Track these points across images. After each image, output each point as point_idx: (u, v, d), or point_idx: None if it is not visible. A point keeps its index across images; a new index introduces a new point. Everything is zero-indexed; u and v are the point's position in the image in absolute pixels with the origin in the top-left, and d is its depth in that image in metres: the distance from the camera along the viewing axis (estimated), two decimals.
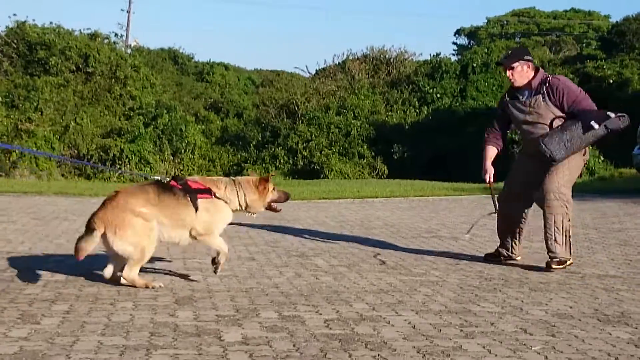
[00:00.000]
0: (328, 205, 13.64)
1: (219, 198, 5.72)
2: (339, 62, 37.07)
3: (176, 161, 27.21)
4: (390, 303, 5.20)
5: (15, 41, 28.85)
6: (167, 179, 5.84)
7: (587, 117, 6.46)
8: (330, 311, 4.91)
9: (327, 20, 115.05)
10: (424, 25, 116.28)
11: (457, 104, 31.59)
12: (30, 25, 29.49)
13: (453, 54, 53.11)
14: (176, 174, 6.67)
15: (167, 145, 27.13)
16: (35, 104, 26.11)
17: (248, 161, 29.88)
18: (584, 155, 6.78)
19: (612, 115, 6.50)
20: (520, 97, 6.80)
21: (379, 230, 9.78)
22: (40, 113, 26.08)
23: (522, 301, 5.36)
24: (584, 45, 50.55)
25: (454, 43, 64.51)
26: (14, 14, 38.25)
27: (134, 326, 4.35)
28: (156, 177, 6.03)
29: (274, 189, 6.03)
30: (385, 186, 18.52)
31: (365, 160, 29.34)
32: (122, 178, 24.52)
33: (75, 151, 26.05)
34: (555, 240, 6.64)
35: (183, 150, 27.52)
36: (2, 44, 28.92)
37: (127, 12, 47.33)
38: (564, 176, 6.66)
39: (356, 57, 36.68)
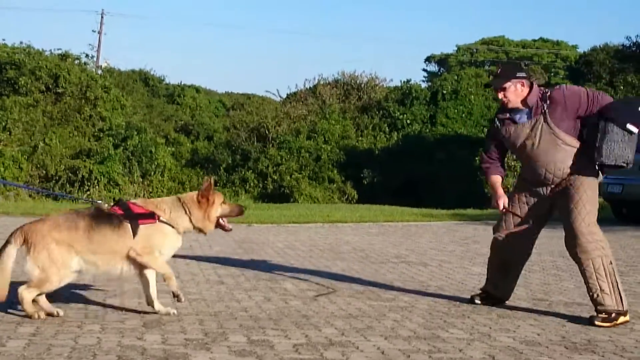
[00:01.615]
0: (298, 229, 13.62)
1: (163, 222, 5.35)
2: (310, 87, 37.17)
3: (145, 183, 27.05)
4: (360, 328, 5.21)
5: None
6: (109, 204, 5.49)
7: (621, 115, 5.52)
8: (299, 336, 4.90)
9: (299, 44, 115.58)
10: (394, 51, 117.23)
11: (427, 130, 31.79)
12: None
13: (423, 81, 53.42)
14: (120, 198, 6.19)
15: (136, 167, 26.97)
16: (3, 123, 25.88)
17: (218, 184, 29.79)
18: (597, 178, 5.85)
19: None
20: (517, 118, 5.89)
21: (347, 254, 9.79)
22: (8, 133, 25.84)
23: (490, 328, 5.39)
24: (552, 74, 51.18)
25: (424, 70, 65.02)
26: None
27: (101, 349, 4.32)
28: (99, 202, 5.62)
29: (223, 202, 5.55)
30: (355, 211, 18.54)
31: (335, 185, 29.38)
32: (90, 199, 24.31)
33: (44, 172, 25.81)
34: (601, 289, 5.64)
35: (153, 173, 27.38)
36: None
37: (98, 33, 47.18)
38: (587, 210, 5.73)
39: (327, 82, 36.79)
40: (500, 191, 6.19)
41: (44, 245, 5.04)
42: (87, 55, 33.55)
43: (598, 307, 5.65)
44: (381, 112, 33.19)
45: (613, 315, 5.61)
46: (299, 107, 34.40)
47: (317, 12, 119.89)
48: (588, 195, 5.73)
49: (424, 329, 5.28)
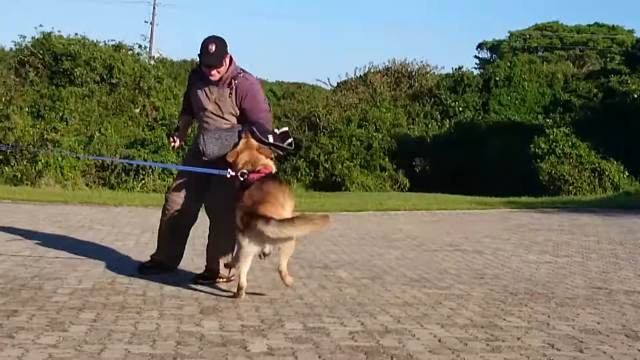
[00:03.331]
0: (350, 217, 13.63)
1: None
2: (360, 75, 37.07)
3: None
4: (415, 316, 5.19)
5: (41, 52, 29.02)
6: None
7: (262, 128, 6.09)
8: (355, 323, 4.90)
9: (349, 32, 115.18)
10: (446, 38, 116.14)
11: (480, 117, 31.51)
12: (55, 37, 29.66)
13: (475, 68, 52.84)
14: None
15: None
16: (60, 114, 26.24)
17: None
18: None
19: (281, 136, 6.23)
20: (210, 84, 6.19)
21: (401, 242, 9.76)
22: (65, 123, 26.21)
23: (549, 316, 5.33)
24: (608, 59, 50.28)
25: (476, 57, 64.30)
26: (40, 25, 38.65)
27: (160, 335, 4.37)
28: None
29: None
30: (408, 199, 18.48)
31: (387, 173, 29.28)
32: (145, 188, 24.57)
33: (100, 161, 26.15)
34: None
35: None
36: (28, 55, 29.11)
37: (151, 24, 47.70)
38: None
39: (378, 69, 36.66)
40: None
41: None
42: (140, 46, 33.84)
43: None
44: (433, 99, 32.99)
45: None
46: (350, 95, 34.33)
47: (368, 0, 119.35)
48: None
49: (480, 317, 5.24)
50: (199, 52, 6.12)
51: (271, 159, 6.05)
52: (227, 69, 6.14)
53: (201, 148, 6.08)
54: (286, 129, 6.35)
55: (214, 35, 6.16)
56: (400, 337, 4.57)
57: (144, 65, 31.15)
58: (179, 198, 6.34)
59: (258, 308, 5.25)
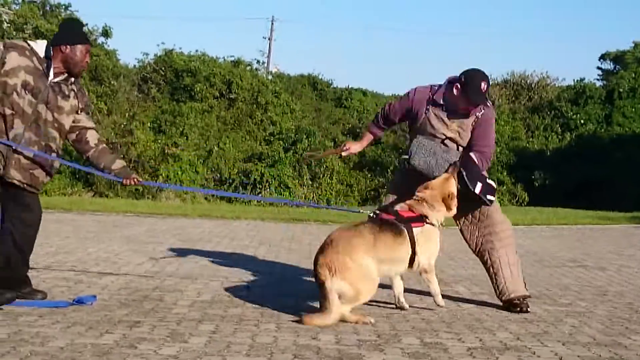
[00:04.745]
0: None
1: (430, 223, 5.56)
2: None
3: (314, 186, 27.49)
4: (535, 333, 5.06)
5: (163, 68, 29.97)
6: (374, 213, 5.58)
7: (474, 173, 5.80)
8: (473, 339, 4.82)
9: (464, 45, 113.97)
10: (567, 49, 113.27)
11: (602, 130, 30.57)
12: (177, 53, 30.54)
13: (598, 79, 51.26)
14: (381, 205, 6.23)
15: (306, 170, 27.46)
16: (181, 129, 26.97)
17: (385, 187, 29.83)
18: None
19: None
20: (449, 112, 5.89)
21: (521, 258, 9.52)
22: (185, 138, 26.92)
23: None
24: None
25: (599, 68, 62.43)
26: (162, 43, 39.85)
27: (278, 348, 4.40)
28: (368, 213, 5.67)
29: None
30: (527, 213, 18.10)
31: (505, 187, 28.76)
32: (261, 203, 24.95)
33: (218, 175, 26.73)
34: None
35: (322, 175, 27.79)
36: (150, 72, 30.11)
37: (269, 39, 48.44)
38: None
39: (496, 82, 36.11)
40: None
41: (346, 268, 5.16)
42: (258, 62, 34.45)
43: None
44: (553, 112, 32.23)
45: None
46: None
47: (483, 11, 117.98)
48: None
49: (604, 335, 5.06)
50: (464, 83, 5.79)
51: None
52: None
53: (410, 150, 5.90)
54: (494, 184, 6.02)
55: (482, 72, 5.91)
56: (520, 354, 4.46)
57: (261, 80, 31.69)
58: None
59: (374, 322, 5.23)
